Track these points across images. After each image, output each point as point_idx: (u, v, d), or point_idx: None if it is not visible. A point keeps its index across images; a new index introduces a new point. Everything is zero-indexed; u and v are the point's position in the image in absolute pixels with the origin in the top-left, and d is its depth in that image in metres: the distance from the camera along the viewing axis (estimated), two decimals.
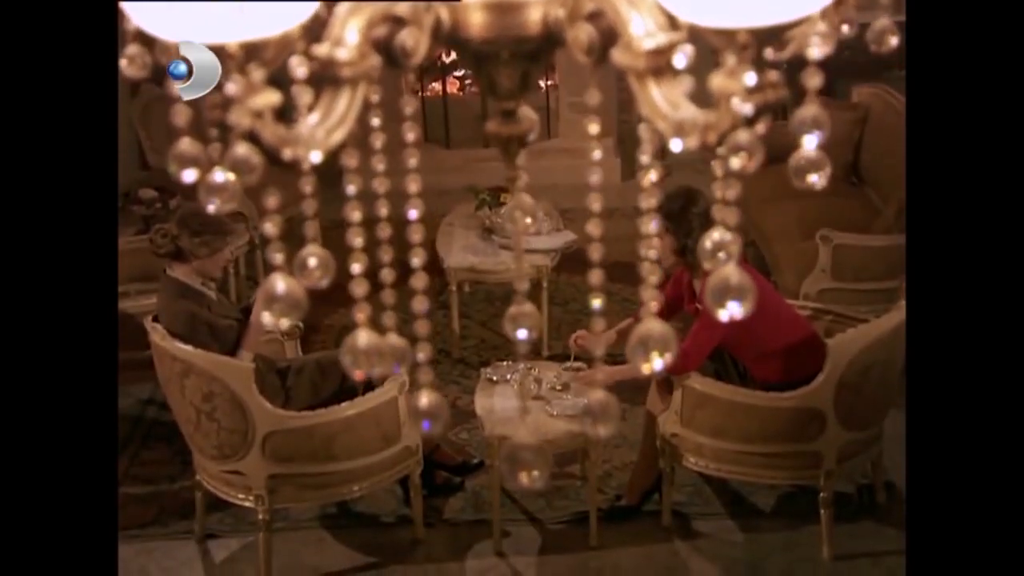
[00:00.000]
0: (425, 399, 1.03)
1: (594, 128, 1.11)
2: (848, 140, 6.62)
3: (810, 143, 0.94)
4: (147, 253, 4.60)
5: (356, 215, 1.00)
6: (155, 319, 4.39)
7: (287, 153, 0.90)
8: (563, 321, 6.24)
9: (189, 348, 4.18)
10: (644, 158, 0.94)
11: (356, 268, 1.01)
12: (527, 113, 1.03)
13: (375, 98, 1.10)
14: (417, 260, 1.04)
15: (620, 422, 5.09)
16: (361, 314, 1.02)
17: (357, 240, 1.01)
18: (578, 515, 4.69)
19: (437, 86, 8.58)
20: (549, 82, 8.51)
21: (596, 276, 1.11)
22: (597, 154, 1.14)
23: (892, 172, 5.54)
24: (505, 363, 4.81)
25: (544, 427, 4.46)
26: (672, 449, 4.50)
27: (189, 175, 0.93)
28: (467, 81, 8.64)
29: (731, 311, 0.91)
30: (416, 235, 1.13)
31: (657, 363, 0.94)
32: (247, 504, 4.39)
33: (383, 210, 1.15)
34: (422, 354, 1.06)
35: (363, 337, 1.01)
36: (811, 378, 4.24)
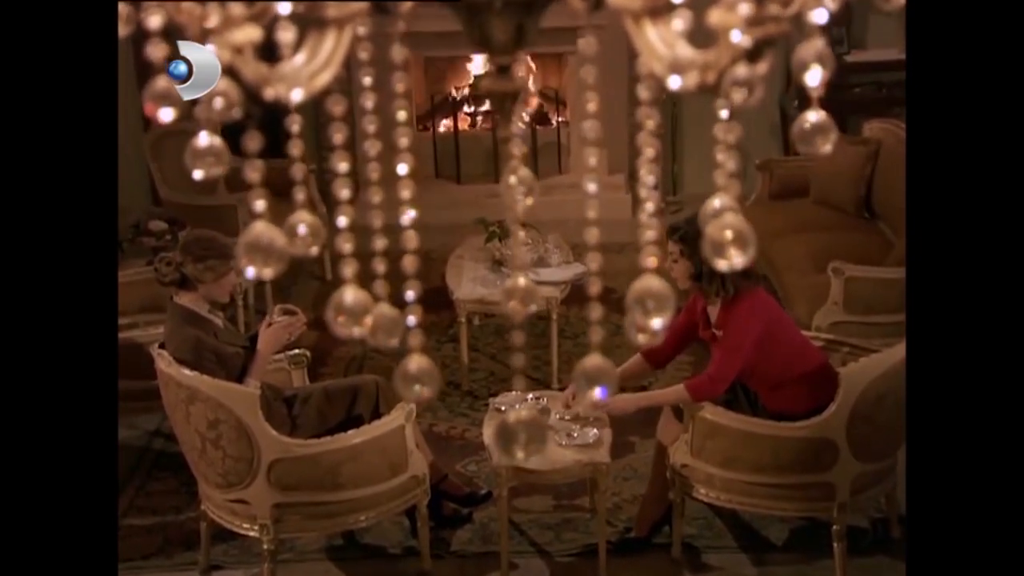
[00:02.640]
0: (415, 363, 0.99)
1: (592, 106, 1.07)
2: (860, 175, 6.60)
3: (814, 79, 0.90)
4: (157, 284, 4.57)
5: (344, 166, 0.97)
6: (161, 346, 4.36)
7: (269, 92, 0.87)
8: (573, 354, 6.19)
9: (194, 374, 4.14)
10: (644, 106, 0.91)
11: (342, 221, 0.97)
12: (521, 73, 0.99)
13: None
14: (407, 218, 1.00)
15: (630, 453, 5.11)
16: (348, 269, 0.98)
17: (344, 192, 0.97)
18: (587, 547, 4.63)
19: (448, 122, 8.59)
20: (560, 118, 8.52)
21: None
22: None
23: (904, 205, 5.50)
24: (514, 393, 4.76)
25: (553, 457, 4.41)
26: (682, 480, 4.44)
27: (167, 114, 0.90)
28: (478, 117, 8.65)
29: (733, 261, 0.88)
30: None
31: (656, 323, 0.91)
32: (252, 534, 4.34)
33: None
34: (412, 317, 1.02)
35: (349, 294, 0.97)
36: (824, 409, 4.19)
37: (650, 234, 0.93)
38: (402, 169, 1.08)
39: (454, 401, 5.83)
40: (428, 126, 8.63)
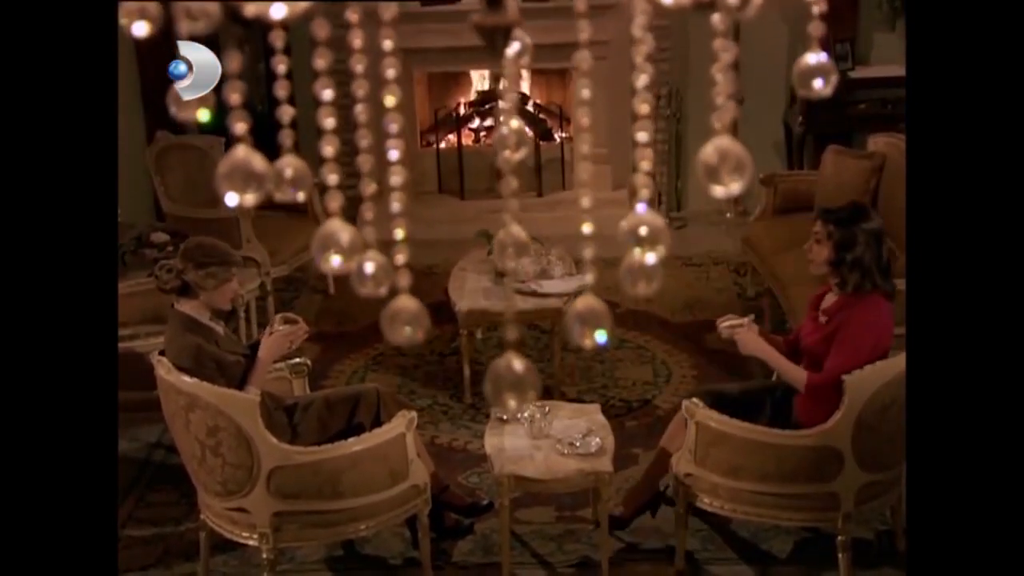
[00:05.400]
0: (401, 304, 0.96)
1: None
2: (865, 189, 6.55)
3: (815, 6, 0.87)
4: (158, 295, 4.55)
5: (328, 94, 0.94)
6: (161, 353, 4.33)
7: (249, 9, 0.84)
8: (576, 367, 6.17)
9: (194, 381, 4.11)
10: (637, 31, 0.88)
11: (328, 151, 0.95)
12: (513, 5, 0.96)
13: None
14: (395, 153, 0.98)
15: (633, 465, 5.07)
16: (334, 203, 0.96)
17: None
18: (589, 559, 4.58)
19: (452, 138, 8.59)
20: (564, 134, 8.52)
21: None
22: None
23: None
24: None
25: (555, 466, 4.38)
26: (686, 490, 4.39)
27: (139, 28, 0.87)
28: (481, 133, 8.65)
29: (730, 187, 0.85)
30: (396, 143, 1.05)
31: (649, 257, 0.88)
32: (251, 543, 4.30)
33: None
34: (400, 256, 1.00)
35: (337, 227, 0.94)
36: None
37: (645, 165, 0.91)
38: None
39: (456, 413, 5.80)
40: (431, 141, 8.63)
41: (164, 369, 4.19)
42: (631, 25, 0.89)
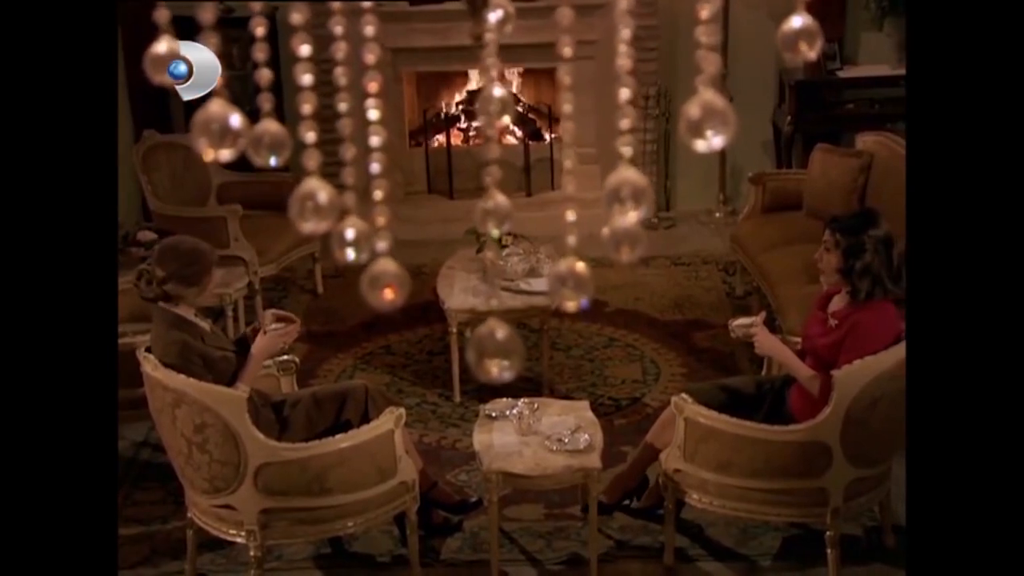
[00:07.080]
0: (383, 266, 0.95)
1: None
2: (853, 187, 6.57)
3: None
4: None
5: (305, 48, 0.93)
6: (148, 350, 4.31)
7: None
8: (565, 365, 6.16)
9: (181, 377, 4.09)
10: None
11: (307, 109, 0.93)
12: None
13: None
14: (375, 114, 0.96)
15: (622, 463, 5.06)
16: (312, 161, 0.95)
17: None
18: (578, 556, 4.57)
19: (441, 138, 8.57)
20: (553, 134, 8.51)
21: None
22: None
23: (897, 217, 5.47)
24: (505, 399, 4.72)
25: (544, 462, 4.37)
26: (675, 486, 4.39)
27: None
28: (471, 133, 8.63)
29: (711, 143, 0.84)
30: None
31: (631, 216, 0.87)
32: (239, 540, 4.28)
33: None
34: (382, 218, 0.98)
35: (316, 186, 0.93)
36: None
37: (626, 123, 0.90)
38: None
39: (445, 412, 5.78)
40: (421, 141, 8.61)
41: (151, 365, 4.17)
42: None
